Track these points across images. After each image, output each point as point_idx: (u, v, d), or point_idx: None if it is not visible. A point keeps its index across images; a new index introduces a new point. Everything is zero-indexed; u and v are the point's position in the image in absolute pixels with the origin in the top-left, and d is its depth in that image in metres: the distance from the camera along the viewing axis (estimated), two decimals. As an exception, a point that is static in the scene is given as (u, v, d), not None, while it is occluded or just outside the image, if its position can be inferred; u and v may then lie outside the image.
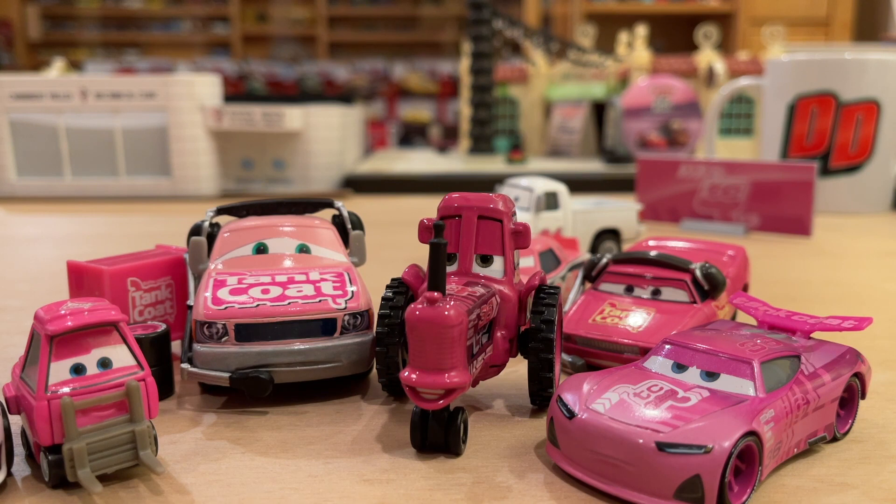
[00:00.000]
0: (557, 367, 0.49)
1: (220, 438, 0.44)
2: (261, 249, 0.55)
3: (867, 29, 3.57)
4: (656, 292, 0.57)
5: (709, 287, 0.56)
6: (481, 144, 2.09)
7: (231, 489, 0.38)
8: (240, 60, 4.58)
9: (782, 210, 1.11)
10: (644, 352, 0.51)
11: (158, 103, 1.48)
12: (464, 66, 2.17)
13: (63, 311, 0.38)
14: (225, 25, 4.69)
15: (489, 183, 1.26)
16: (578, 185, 1.39)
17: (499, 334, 0.46)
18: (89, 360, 0.38)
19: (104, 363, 0.38)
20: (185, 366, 0.48)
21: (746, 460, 0.37)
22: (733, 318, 0.62)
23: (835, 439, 0.43)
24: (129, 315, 0.55)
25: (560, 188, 0.87)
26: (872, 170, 1.31)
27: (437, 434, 0.41)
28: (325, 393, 0.51)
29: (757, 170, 1.13)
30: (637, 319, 0.55)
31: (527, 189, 0.85)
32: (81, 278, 0.55)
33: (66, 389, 0.37)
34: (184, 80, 1.49)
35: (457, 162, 1.97)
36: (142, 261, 0.56)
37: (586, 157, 2.07)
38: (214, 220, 0.58)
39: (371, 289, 0.53)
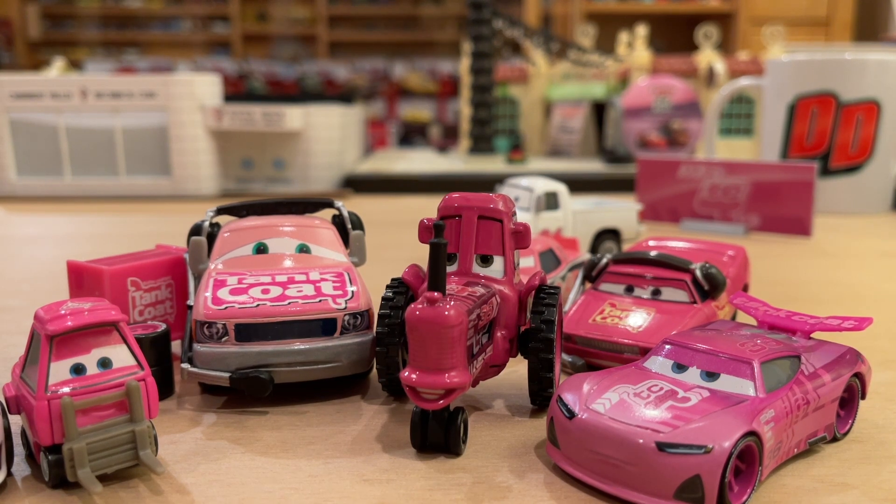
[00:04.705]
0: (557, 367, 0.49)
1: (220, 438, 0.44)
2: (261, 249, 0.55)
3: (867, 29, 3.57)
4: (656, 292, 0.57)
5: (709, 287, 0.56)
6: (481, 144, 2.09)
7: (231, 489, 0.38)
8: (240, 60, 4.57)
9: (782, 210, 1.11)
10: (644, 352, 0.51)
11: (158, 103, 1.48)
12: (464, 65, 2.17)
13: (63, 311, 0.38)
14: (225, 25, 4.69)
15: (489, 183, 1.26)
16: (578, 185, 1.39)
17: (499, 334, 0.46)
18: (89, 360, 0.38)
19: (104, 363, 0.38)
20: (185, 366, 0.48)
21: (746, 460, 0.37)
22: (733, 318, 0.62)
23: (835, 439, 0.43)
24: (129, 315, 0.55)
25: (560, 188, 0.87)
26: (872, 170, 1.31)
27: (437, 434, 0.41)
28: (325, 393, 0.51)
29: (757, 170, 1.13)
30: (637, 319, 0.55)
31: (527, 189, 0.85)
32: (81, 278, 0.55)
33: (66, 389, 0.37)
34: (184, 79, 1.49)
35: (457, 162, 1.97)
36: (142, 261, 0.56)
37: (586, 157, 2.07)
38: (214, 220, 0.58)
39: (371, 289, 0.53)
